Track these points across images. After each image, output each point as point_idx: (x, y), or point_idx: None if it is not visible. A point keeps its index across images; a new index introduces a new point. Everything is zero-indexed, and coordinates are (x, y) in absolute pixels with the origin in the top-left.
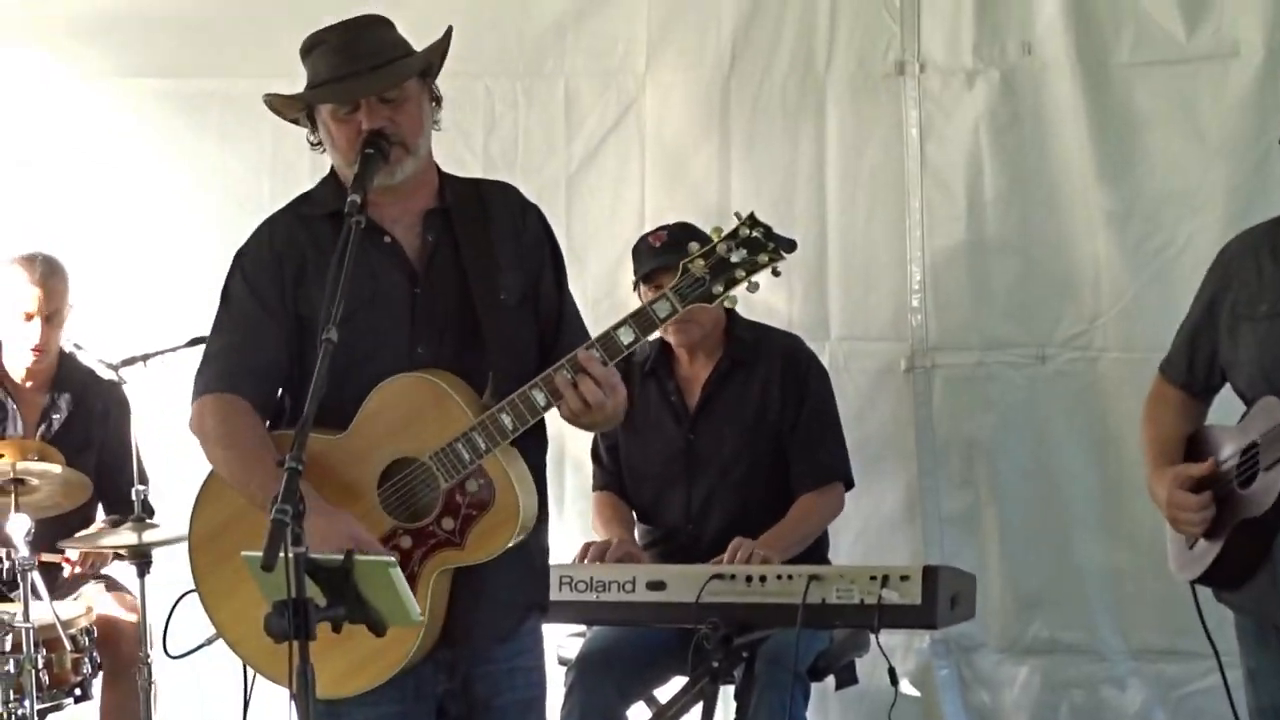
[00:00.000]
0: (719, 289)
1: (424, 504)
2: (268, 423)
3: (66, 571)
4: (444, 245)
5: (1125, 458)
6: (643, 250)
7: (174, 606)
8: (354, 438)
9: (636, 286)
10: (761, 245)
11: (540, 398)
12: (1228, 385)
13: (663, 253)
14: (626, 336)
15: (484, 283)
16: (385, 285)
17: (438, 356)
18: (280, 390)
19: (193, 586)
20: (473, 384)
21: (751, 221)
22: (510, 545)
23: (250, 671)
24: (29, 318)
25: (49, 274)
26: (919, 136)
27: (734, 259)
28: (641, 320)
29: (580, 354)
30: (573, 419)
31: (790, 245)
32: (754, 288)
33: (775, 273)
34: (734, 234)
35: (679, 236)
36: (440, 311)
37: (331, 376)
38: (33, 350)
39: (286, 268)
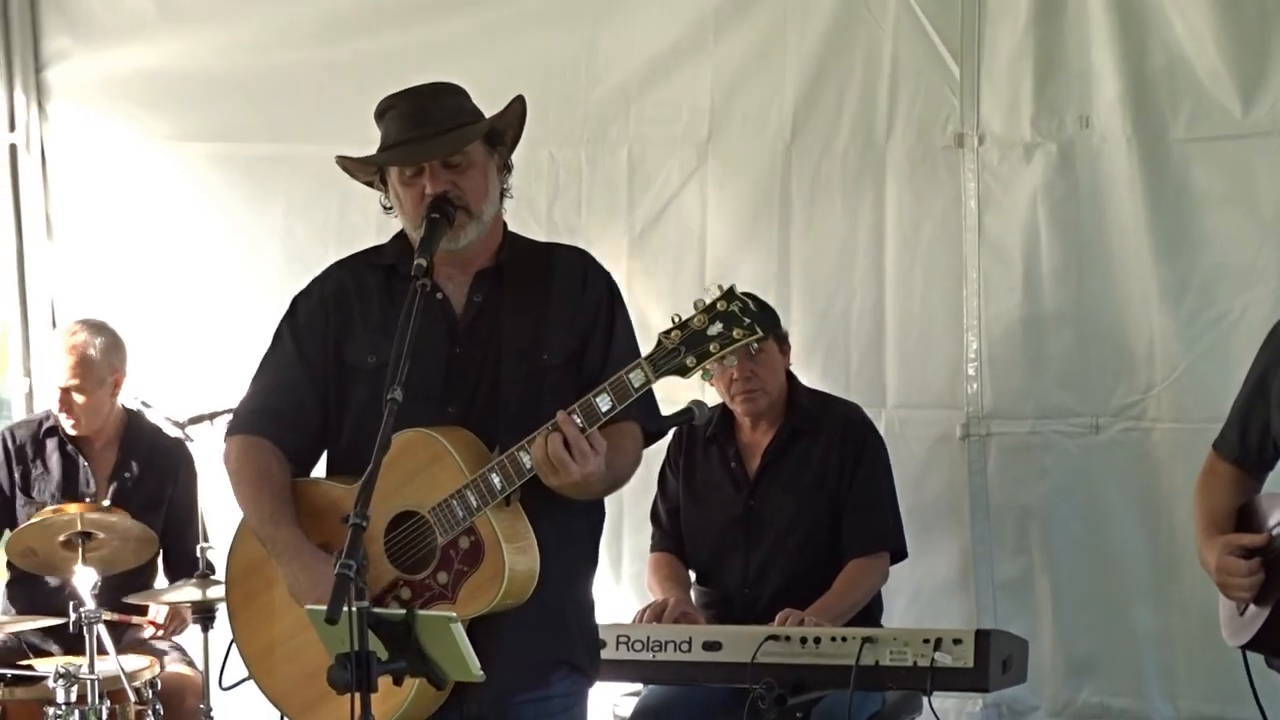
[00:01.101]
0: (691, 362)
1: (423, 556)
2: (294, 462)
3: (149, 633)
4: (490, 305)
5: (1177, 526)
6: None
7: (231, 643)
8: None
9: None
10: (738, 320)
11: (526, 459)
12: None
13: None
14: (604, 404)
15: (522, 343)
16: (426, 342)
17: (467, 415)
18: (316, 433)
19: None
20: (498, 443)
21: (729, 295)
22: (498, 602)
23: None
24: (57, 388)
25: (74, 344)
26: (977, 208)
27: (710, 332)
28: (618, 388)
29: (560, 415)
30: (542, 475)
31: (768, 323)
32: (730, 361)
33: (754, 347)
34: (711, 307)
35: None
36: (474, 370)
37: (365, 427)
38: (64, 416)
39: (332, 318)
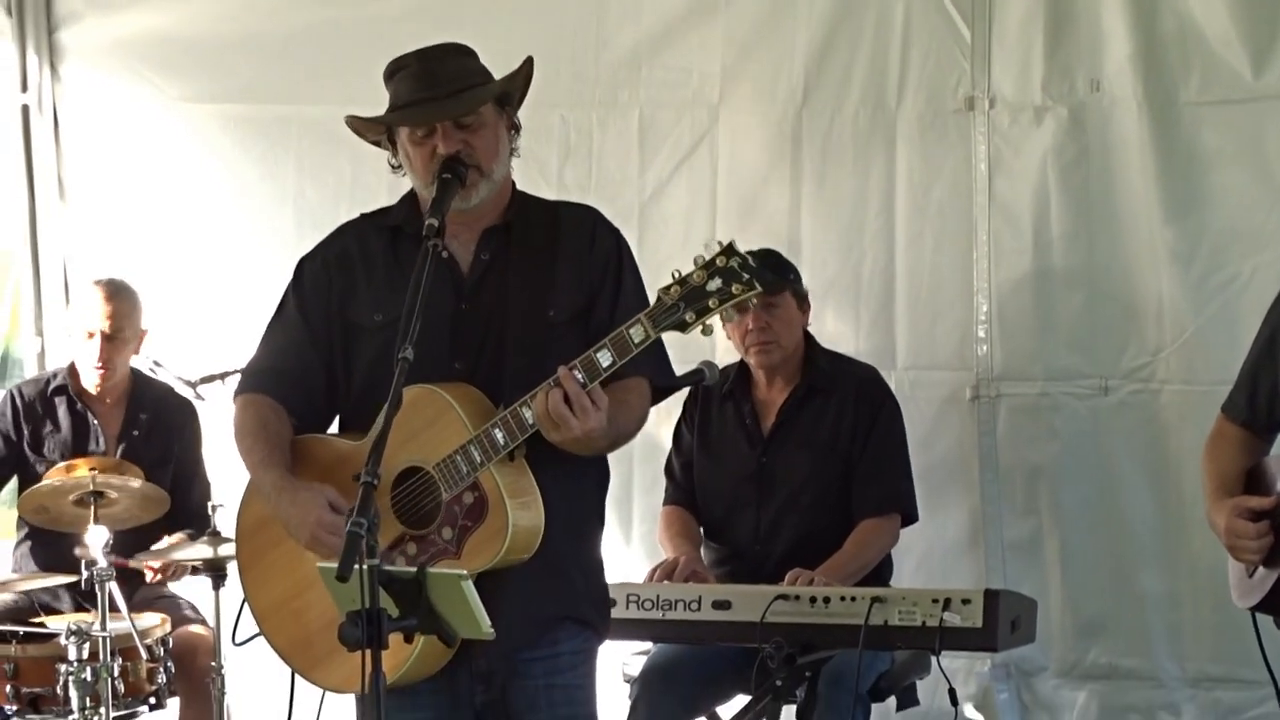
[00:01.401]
0: (690, 317)
1: (428, 512)
2: (301, 420)
3: (149, 577)
4: (497, 263)
5: (1185, 488)
6: None
7: (244, 599)
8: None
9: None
10: (736, 276)
11: (528, 414)
12: None
13: None
14: (605, 359)
15: (527, 300)
16: (433, 299)
17: (474, 371)
18: (323, 394)
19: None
20: (503, 399)
21: (729, 251)
22: (502, 557)
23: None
24: (90, 336)
25: (113, 295)
26: (987, 171)
27: (709, 288)
28: (618, 344)
29: (561, 370)
30: (544, 431)
31: (767, 280)
32: (729, 317)
33: (752, 302)
34: (710, 264)
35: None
36: (480, 327)
37: (373, 384)
38: (95, 368)
39: (336, 281)
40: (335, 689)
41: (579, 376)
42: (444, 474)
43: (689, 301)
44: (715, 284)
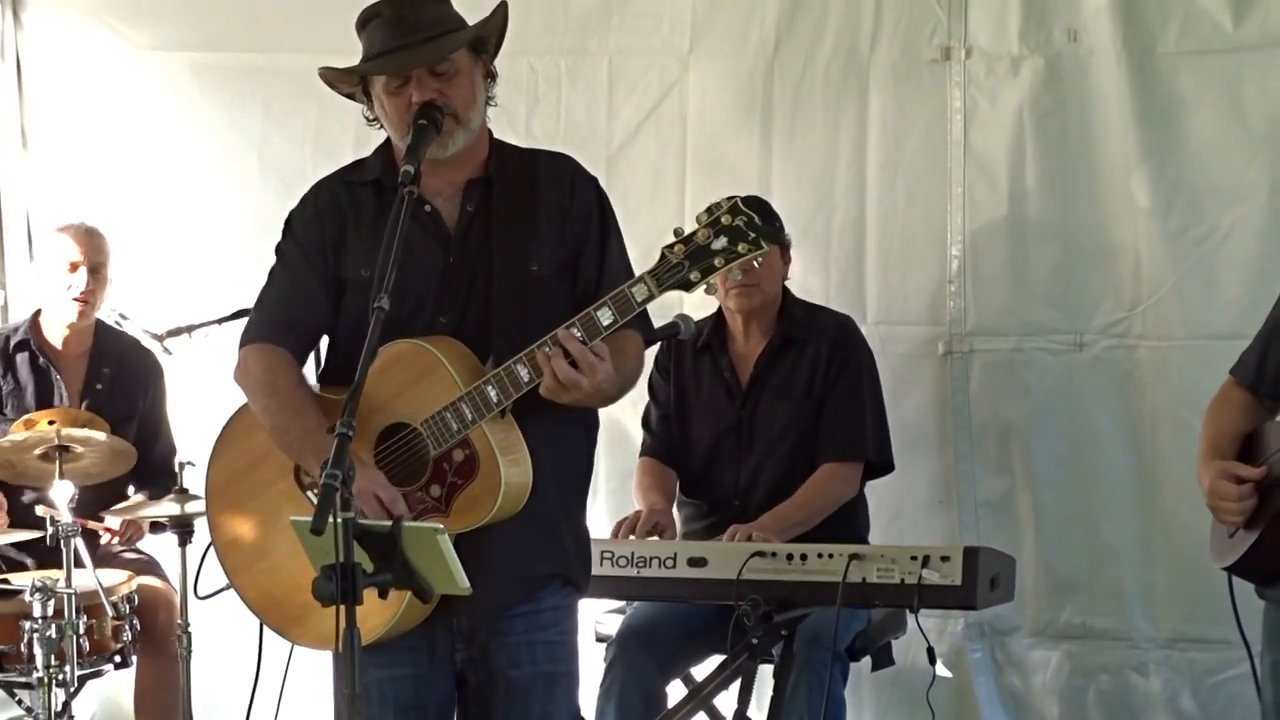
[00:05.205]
0: (695, 276)
1: (414, 469)
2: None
3: (105, 539)
4: (480, 215)
5: (1160, 446)
6: None
7: (206, 550)
8: None
9: None
10: (742, 234)
11: (524, 372)
12: None
13: None
14: (605, 318)
15: (512, 253)
16: (419, 253)
17: (460, 326)
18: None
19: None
20: (488, 354)
21: (734, 210)
22: (493, 515)
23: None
24: (74, 267)
25: (91, 234)
26: (963, 122)
27: (715, 246)
28: (620, 302)
29: (560, 332)
30: (549, 394)
31: (772, 236)
32: (736, 275)
33: (757, 262)
34: (715, 221)
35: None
36: (467, 281)
37: (358, 339)
38: (77, 299)
39: (328, 229)
40: (313, 645)
41: (577, 334)
42: (432, 431)
43: (694, 260)
44: (721, 243)
